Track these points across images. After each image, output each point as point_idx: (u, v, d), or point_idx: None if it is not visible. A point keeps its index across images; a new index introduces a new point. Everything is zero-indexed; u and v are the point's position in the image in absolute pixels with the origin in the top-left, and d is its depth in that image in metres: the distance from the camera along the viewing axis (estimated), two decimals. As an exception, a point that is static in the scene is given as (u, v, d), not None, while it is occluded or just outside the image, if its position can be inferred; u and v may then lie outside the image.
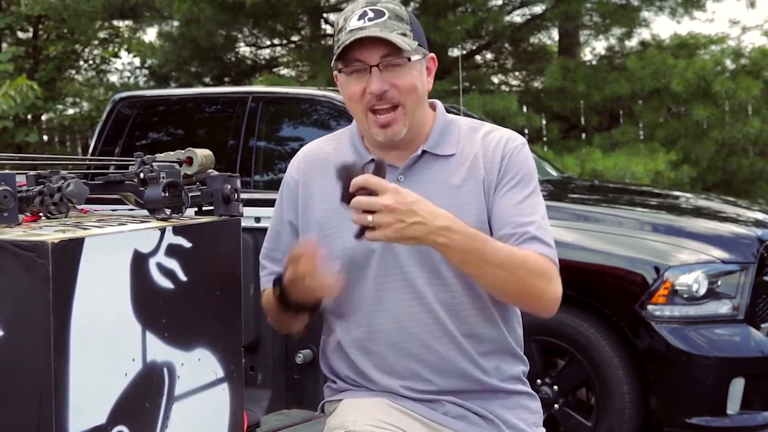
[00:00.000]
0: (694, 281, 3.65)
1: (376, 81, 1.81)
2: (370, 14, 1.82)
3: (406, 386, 1.88)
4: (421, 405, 1.88)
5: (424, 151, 1.90)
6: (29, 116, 12.27)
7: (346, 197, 1.64)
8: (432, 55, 1.93)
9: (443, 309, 1.86)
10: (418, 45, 1.85)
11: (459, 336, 1.87)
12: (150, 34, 15.57)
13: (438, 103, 1.98)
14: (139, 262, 1.49)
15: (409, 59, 1.83)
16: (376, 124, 1.85)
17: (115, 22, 12.29)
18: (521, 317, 1.99)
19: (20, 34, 12.95)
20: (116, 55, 13.64)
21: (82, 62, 13.84)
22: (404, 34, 1.82)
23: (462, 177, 1.89)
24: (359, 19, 1.82)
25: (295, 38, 10.74)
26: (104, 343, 1.43)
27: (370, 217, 1.62)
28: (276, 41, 10.86)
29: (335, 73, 1.93)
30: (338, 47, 1.83)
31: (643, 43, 9.80)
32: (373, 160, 1.67)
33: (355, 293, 1.88)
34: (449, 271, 1.85)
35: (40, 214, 1.59)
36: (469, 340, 1.88)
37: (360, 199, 1.62)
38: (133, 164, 1.69)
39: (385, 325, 1.87)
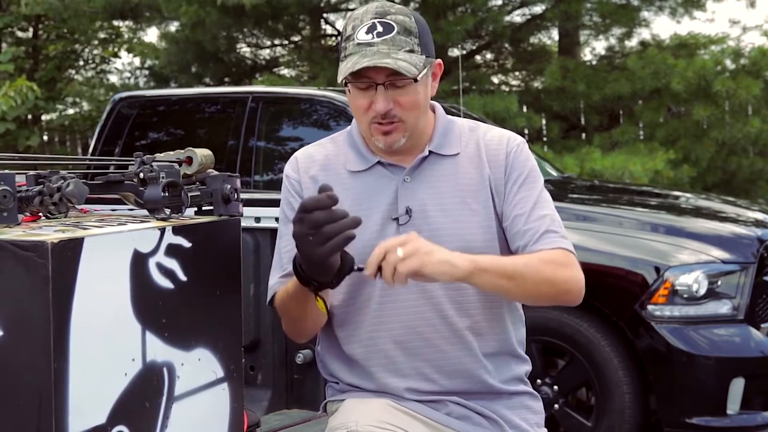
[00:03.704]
0: (694, 281, 3.66)
1: (381, 100, 1.82)
2: (379, 28, 1.82)
3: (409, 388, 1.88)
4: (423, 405, 1.88)
5: (430, 152, 1.92)
6: (29, 116, 12.26)
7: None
8: (438, 61, 1.93)
9: (452, 306, 1.87)
10: (426, 57, 1.85)
11: (467, 334, 1.88)
12: (151, 35, 15.59)
13: (437, 105, 1.99)
14: (139, 262, 1.49)
15: (415, 80, 1.83)
16: (378, 132, 1.86)
17: (115, 22, 12.29)
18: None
19: (20, 34, 12.96)
20: (116, 55, 13.65)
21: (82, 62, 13.84)
22: (412, 50, 1.82)
23: (468, 176, 1.91)
24: (368, 32, 1.82)
25: (295, 39, 10.74)
26: (104, 343, 1.43)
27: (400, 251, 1.64)
28: (276, 42, 10.86)
29: (341, 80, 1.94)
30: (344, 58, 1.83)
31: (643, 43, 9.80)
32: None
33: (363, 292, 1.88)
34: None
35: (40, 214, 1.59)
36: (477, 339, 1.89)
37: (388, 242, 1.65)
38: (133, 164, 1.69)
39: (392, 324, 1.87)
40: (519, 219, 1.87)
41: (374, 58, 1.78)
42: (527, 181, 1.90)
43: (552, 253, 1.83)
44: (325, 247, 1.62)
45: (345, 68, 1.82)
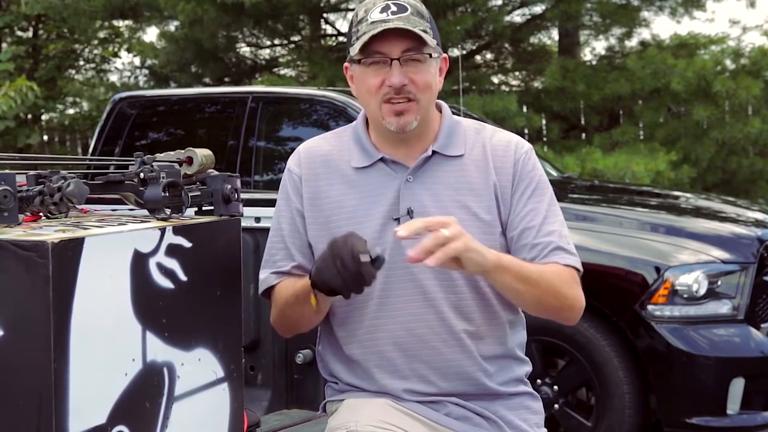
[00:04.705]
0: (694, 281, 3.66)
1: (397, 74, 1.81)
2: (393, 8, 1.82)
3: (408, 389, 1.88)
4: (423, 406, 1.88)
5: (434, 152, 1.91)
6: (29, 116, 12.25)
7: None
8: (445, 55, 1.93)
9: (451, 310, 1.86)
10: (436, 44, 1.86)
11: (465, 338, 1.87)
12: (150, 34, 15.58)
13: (443, 104, 1.98)
14: (139, 262, 1.49)
15: (430, 55, 1.83)
16: (391, 112, 1.84)
17: (115, 22, 12.28)
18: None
19: (20, 33, 12.95)
20: (116, 55, 13.64)
21: (82, 62, 13.83)
22: (425, 31, 1.82)
23: (472, 179, 1.90)
24: (382, 11, 1.82)
25: (295, 38, 10.74)
26: (104, 343, 1.43)
27: (446, 231, 1.63)
28: (276, 41, 10.85)
29: (346, 64, 1.92)
30: (358, 37, 1.83)
31: (643, 43, 9.79)
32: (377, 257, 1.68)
33: (362, 294, 1.88)
34: (458, 272, 1.85)
35: (40, 214, 1.59)
36: (476, 343, 1.88)
37: (429, 219, 1.65)
38: (133, 164, 1.68)
39: (391, 325, 1.87)
40: (529, 232, 1.87)
41: (394, 24, 1.78)
42: (536, 192, 1.90)
43: (563, 269, 1.85)
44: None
45: (361, 42, 1.81)
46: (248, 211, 2.47)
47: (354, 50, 1.83)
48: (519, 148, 1.93)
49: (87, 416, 1.40)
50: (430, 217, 1.68)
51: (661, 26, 32.03)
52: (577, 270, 1.89)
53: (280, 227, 1.97)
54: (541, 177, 1.93)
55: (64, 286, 1.36)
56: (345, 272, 1.64)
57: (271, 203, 2.07)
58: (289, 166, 1.98)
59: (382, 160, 1.91)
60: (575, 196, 4.64)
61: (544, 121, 9.15)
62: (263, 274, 1.97)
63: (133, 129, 5.22)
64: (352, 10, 9.61)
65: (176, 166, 1.71)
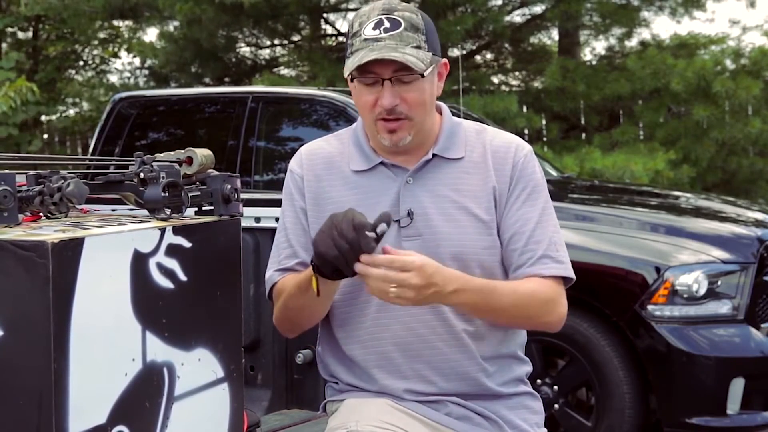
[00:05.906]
0: (694, 281, 3.66)
1: (387, 96, 1.81)
2: (386, 24, 1.81)
3: (409, 389, 1.88)
4: (423, 406, 1.88)
5: (434, 155, 1.91)
6: (30, 119, 12.25)
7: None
8: (444, 61, 1.92)
9: (452, 310, 1.86)
10: (433, 54, 1.84)
11: (466, 338, 1.88)
12: (150, 34, 15.59)
13: (443, 106, 1.99)
14: (139, 262, 1.49)
15: (422, 75, 1.83)
16: (384, 129, 1.86)
17: (115, 22, 12.28)
18: None
19: (20, 34, 12.95)
20: (116, 55, 13.64)
21: (82, 62, 13.83)
22: (419, 47, 1.82)
23: (472, 181, 1.90)
24: (375, 28, 1.81)
25: (295, 38, 10.74)
26: (104, 343, 1.43)
27: (393, 289, 1.66)
28: (276, 41, 10.85)
29: (347, 75, 1.93)
30: (350, 54, 1.83)
31: (643, 43, 9.80)
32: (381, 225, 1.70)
33: (363, 293, 1.88)
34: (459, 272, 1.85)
35: (40, 214, 1.59)
36: (476, 343, 1.89)
37: (387, 275, 1.65)
38: (133, 164, 1.68)
39: (393, 325, 1.87)
40: (519, 237, 1.87)
41: (382, 52, 1.78)
42: (531, 196, 1.90)
43: (542, 285, 1.85)
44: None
45: (352, 63, 1.81)
46: (248, 211, 2.47)
47: (347, 68, 1.84)
48: (519, 151, 1.93)
49: (87, 416, 1.40)
50: (397, 258, 1.67)
51: (661, 26, 32.07)
52: (566, 278, 1.88)
53: (284, 227, 1.97)
54: (538, 181, 1.92)
55: (64, 286, 1.36)
56: (341, 241, 1.64)
57: (271, 203, 2.08)
58: (291, 167, 2.00)
59: (382, 163, 1.92)
60: (575, 196, 4.65)
61: (544, 121, 9.15)
62: (268, 273, 1.98)
63: (133, 129, 5.23)
64: (352, 10, 9.62)
65: (176, 166, 1.71)
